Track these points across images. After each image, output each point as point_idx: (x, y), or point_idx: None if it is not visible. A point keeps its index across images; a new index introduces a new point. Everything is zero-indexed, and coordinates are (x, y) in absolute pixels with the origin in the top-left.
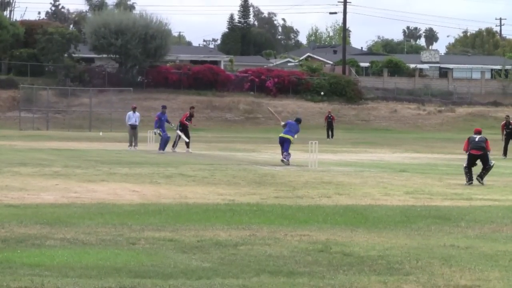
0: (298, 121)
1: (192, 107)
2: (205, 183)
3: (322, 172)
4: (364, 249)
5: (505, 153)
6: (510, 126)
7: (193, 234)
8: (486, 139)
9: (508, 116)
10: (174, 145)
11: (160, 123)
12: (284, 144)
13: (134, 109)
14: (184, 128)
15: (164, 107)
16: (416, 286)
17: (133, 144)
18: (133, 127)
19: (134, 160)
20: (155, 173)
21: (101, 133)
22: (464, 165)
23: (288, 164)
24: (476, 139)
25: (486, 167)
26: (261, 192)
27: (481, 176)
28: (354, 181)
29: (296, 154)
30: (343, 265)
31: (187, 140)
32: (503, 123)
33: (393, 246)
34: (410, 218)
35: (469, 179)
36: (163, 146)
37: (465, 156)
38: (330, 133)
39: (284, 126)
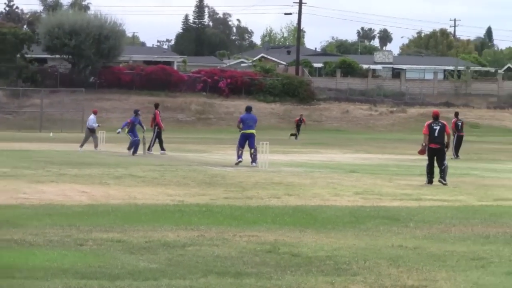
0: (250, 109)
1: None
2: (155, 184)
3: (272, 173)
4: (312, 250)
5: (457, 154)
6: (460, 123)
7: (141, 235)
8: (445, 125)
9: (457, 112)
10: (149, 148)
11: (132, 127)
12: (250, 139)
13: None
14: (158, 130)
15: (137, 111)
16: (363, 286)
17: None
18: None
19: (84, 161)
20: (105, 174)
21: (51, 134)
22: (427, 164)
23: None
24: (436, 133)
25: (442, 168)
26: (211, 193)
27: (443, 178)
28: (304, 182)
29: (246, 155)
30: (291, 266)
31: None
32: (453, 120)
33: (341, 247)
34: (359, 219)
35: (429, 181)
36: (135, 149)
37: (419, 152)
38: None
39: (241, 124)
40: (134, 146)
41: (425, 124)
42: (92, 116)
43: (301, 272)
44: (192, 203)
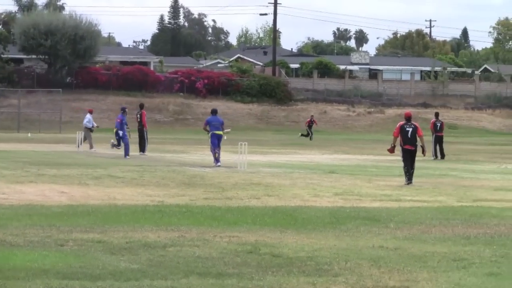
0: (215, 112)
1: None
2: (134, 184)
3: (251, 174)
4: (293, 250)
5: (435, 154)
6: (438, 124)
7: (122, 236)
8: (417, 128)
9: (437, 113)
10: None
11: (122, 125)
12: (219, 141)
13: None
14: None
15: (124, 108)
16: (344, 287)
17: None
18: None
19: (62, 161)
20: (84, 174)
21: (29, 135)
22: (403, 165)
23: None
24: (409, 134)
25: (411, 171)
26: (190, 193)
27: (410, 181)
28: (283, 183)
29: (225, 155)
30: (272, 266)
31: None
32: (432, 121)
33: (322, 247)
34: (339, 219)
35: (409, 179)
36: (127, 150)
37: (391, 149)
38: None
39: (207, 126)
40: (126, 147)
41: (397, 125)
42: (88, 116)
43: (283, 273)
44: (172, 204)
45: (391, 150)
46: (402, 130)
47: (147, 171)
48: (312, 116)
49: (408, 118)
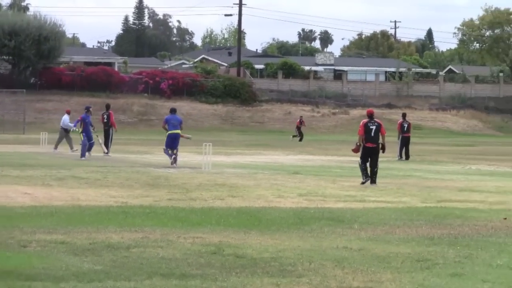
0: (174, 110)
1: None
2: (98, 185)
3: (215, 174)
4: (257, 251)
5: (401, 155)
6: (406, 125)
7: (85, 237)
8: (381, 125)
9: (404, 113)
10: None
11: (85, 126)
12: (175, 141)
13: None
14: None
15: (88, 107)
16: None
17: (71, 147)
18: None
19: (26, 162)
20: (47, 175)
21: None
22: (360, 161)
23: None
24: (372, 133)
25: (375, 170)
26: (154, 194)
27: (374, 181)
28: (247, 183)
29: (189, 156)
30: (236, 267)
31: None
32: (399, 121)
33: (286, 248)
34: (303, 220)
35: (366, 176)
36: (84, 151)
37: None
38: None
39: (166, 124)
40: (83, 147)
41: (361, 123)
42: (66, 116)
43: (246, 274)
44: (136, 205)
45: (356, 150)
46: (366, 128)
47: (111, 172)
48: (301, 117)
49: (370, 115)
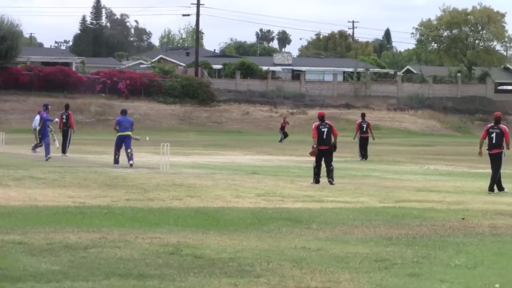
0: (125, 112)
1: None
2: (56, 185)
3: (173, 175)
4: (215, 252)
5: (362, 155)
6: (364, 125)
7: (43, 237)
8: (332, 127)
9: (364, 114)
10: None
11: (43, 124)
12: (126, 141)
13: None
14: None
15: (46, 105)
16: None
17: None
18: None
19: None
20: (5, 175)
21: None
22: (314, 164)
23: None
24: (324, 135)
25: (330, 168)
26: (112, 194)
27: (331, 177)
28: (205, 184)
29: (147, 156)
30: (194, 268)
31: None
32: (358, 121)
33: (244, 248)
34: (262, 220)
35: (316, 180)
36: (48, 150)
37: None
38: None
39: (118, 126)
40: (47, 146)
41: (313, 126)
42: (38, 116)
43: (204, 274)
44: (94, 205)
45: (313, 153)
46: (318, 131)
47: (68, 172)
48: (285, 117)
49: (321, 118)
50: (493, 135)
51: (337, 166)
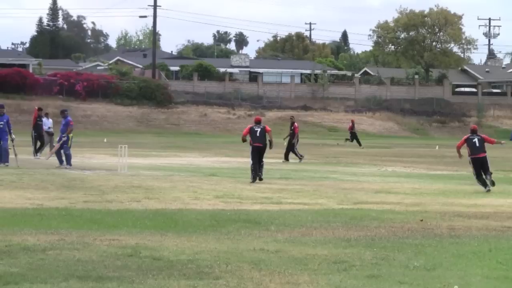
0: (61, 112)
1: (40, 109)
2: (13, 187)
3: (131, 176)
4: (174, 254)
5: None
6: (292, 127)
7: (1, 239)
8: (265, 130)
9: (293, 116)
10: (37, 151)
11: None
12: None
13: (46, 115)
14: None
15: (1, 105)
16: None
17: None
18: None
19: None
20: None
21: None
22: (251, 163)
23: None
24: (257, 133)
25: (261, 164)
26: (70, 196)
27: (259, 177)
28: (164, 185)
29: (105, 158)
30: (153, 270)
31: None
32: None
33: (203, 250)
34: (220, 222)
35: (254, 178)
36: (6, 156)
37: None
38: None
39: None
40: (5, 154)
41: (247, 127)
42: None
43: (163, 276)
44: (52, 207)
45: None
46: (251, 131)
47: (26, 174)
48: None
49: (258, 122)
50: (475, 140)
51: (295, 168)
